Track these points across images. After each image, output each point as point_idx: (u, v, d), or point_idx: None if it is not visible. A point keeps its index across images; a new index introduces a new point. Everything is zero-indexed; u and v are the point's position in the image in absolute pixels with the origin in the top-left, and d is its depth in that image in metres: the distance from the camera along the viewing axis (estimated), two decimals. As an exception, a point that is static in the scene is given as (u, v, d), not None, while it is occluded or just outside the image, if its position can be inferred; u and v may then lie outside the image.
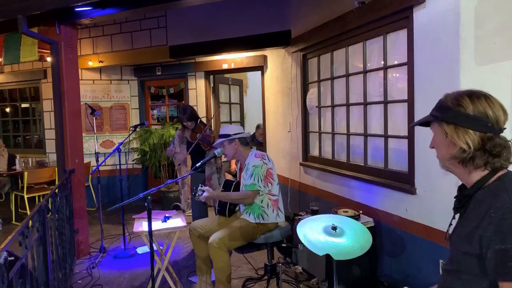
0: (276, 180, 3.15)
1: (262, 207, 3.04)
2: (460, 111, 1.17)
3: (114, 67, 6.71)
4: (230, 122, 6.97)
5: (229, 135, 3.16)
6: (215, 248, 2.83)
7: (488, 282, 1.12)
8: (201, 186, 3.09)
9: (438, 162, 1.32)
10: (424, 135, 2.82)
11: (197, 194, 3.04)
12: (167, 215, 3.30)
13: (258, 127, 6.51)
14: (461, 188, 1.29)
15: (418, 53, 2.85)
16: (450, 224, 1.33)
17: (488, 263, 1.09)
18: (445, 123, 1.21)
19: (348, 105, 3.84)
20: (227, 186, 3.37)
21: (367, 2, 3.30)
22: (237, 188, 3.26)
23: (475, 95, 1.19)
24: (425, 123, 1.33)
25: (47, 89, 6.78)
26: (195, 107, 5.36)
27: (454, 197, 1.29)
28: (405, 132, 3.07)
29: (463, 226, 1.21)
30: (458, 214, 1.29)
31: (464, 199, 1.23)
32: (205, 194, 3.05)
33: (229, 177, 5.56)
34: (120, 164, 4.57)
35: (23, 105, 7.65)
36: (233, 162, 5.06)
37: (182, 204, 4.72)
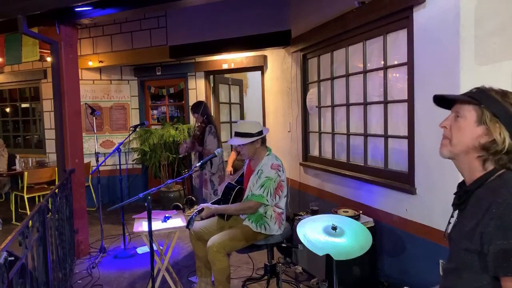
0: (285, 193, 3.05)
1: (265, 217, 2.97)
2: (506, 108, 1.16)
3: (114, 67, 6.71)
4: (230, 122, 6.97)
5: (251, 134, 2.97)
6: (214, 251, 2.81)
7: (488, 279, 1.12)
8: (196, 213, 2.92)
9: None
10: (424, 135, 2.82)
11: (190, 224, 2.81)
12: (167, 215, 3.30)
13: None
14: (461, 185, 1.28)
15: (418, 53, 2.85)
16: (449, 222, 1.33)
17: (490, 259, 1.09)
18: (488, 111, 1.17)
19: (348, 105, 3.84)
20: (228, 190, 3.24)
21: (367, 2, 3.30)
22: (238, 195, 3.19)
23: None
24: (444, 103, 1.27)
25: (47, 89, 6.78)
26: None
27: (454, 194, 1.29)
28: (405, 132, 3.07)
29: (463, 223, 1.21)
30: (457, 213, 1.28)
31: (464, 195, 1.23)
32: (203, 212, 2.95)
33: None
34: (120, 164, 4.57)
35: (23, 105, 7.64)
36: (229, 163, 4.95)
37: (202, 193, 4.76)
